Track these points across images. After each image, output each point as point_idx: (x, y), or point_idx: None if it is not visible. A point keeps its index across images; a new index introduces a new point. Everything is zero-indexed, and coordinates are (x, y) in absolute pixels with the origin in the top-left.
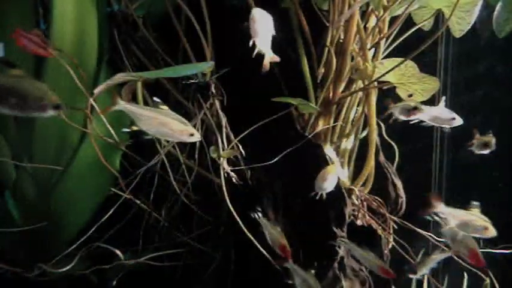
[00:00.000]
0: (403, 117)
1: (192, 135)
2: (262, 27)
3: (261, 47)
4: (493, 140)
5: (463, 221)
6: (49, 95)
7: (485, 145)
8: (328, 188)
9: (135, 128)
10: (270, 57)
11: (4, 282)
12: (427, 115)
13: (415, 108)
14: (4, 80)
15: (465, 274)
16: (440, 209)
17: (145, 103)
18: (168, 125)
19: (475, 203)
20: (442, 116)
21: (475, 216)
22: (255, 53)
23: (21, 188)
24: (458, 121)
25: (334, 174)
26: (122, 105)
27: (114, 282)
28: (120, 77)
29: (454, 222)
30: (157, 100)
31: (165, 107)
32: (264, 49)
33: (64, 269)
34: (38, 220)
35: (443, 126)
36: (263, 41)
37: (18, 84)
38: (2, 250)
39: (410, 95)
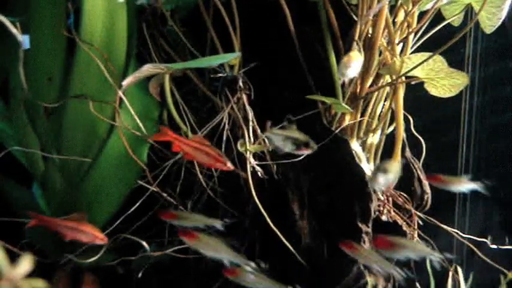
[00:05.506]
0: None
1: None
2: None
3: None
4: None
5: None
6: None
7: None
8: (351, 74)
9: None
10: None
11: (32, 273)
12: None
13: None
14: None
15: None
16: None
17: (173, 96)
18: None
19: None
20: None
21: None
22: None
23: (49, 180)
24: None
25: (358, 61)
26: None
27: (140, 274)
28: (147, 69)
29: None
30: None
31: None
32: None
33: (91, 260)
34: (65, 211)
35: None
36: None
37: None
38: (30, 241)
39: None
